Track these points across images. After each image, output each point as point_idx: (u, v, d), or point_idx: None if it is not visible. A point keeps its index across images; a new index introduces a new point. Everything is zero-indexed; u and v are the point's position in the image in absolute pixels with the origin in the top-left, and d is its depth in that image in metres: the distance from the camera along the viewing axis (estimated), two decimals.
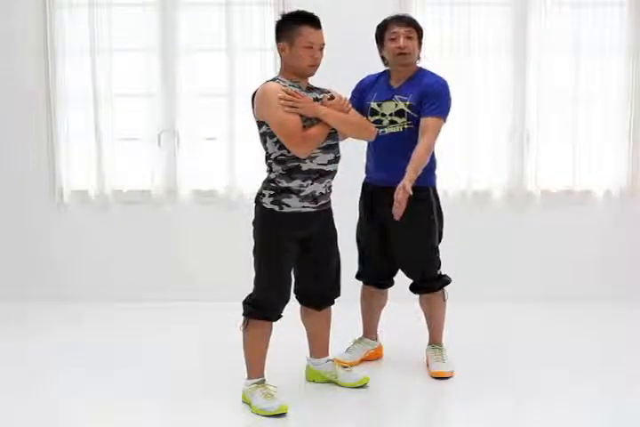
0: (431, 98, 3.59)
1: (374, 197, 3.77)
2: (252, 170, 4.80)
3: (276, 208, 3.33)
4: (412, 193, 3.39)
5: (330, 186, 3.44)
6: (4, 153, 5.13)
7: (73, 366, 3.94)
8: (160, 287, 5.12)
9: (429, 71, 3.73)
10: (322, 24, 3.32)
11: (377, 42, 3.74)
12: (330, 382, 3.68)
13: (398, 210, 3.40)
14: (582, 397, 3.53)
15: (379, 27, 3.71)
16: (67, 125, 5.08)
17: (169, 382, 3.70)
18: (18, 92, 5.08)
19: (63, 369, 3.89)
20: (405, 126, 3.63)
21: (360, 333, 4.04)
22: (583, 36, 4.96)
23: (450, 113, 3.66)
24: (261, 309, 3.37)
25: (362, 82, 3.83)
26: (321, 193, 3.38)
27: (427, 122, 3.56)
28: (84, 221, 5.19)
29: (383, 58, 3.75)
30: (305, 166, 3.31)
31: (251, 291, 3.42)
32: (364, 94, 3.76)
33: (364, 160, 3.86)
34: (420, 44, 3.69)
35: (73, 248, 5.20)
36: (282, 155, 3.30)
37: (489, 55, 4.99)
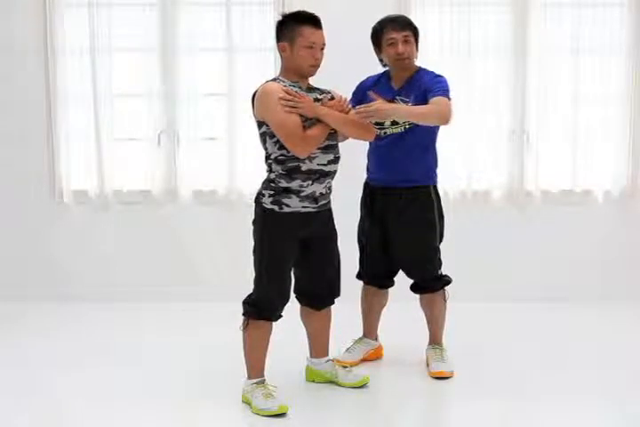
0: (431, 86, 3.56)
1: (375, 197, 3.77)
2: (251, 170, 4.80)
3: (276, 208, 3.33)
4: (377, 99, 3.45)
5: (330, 186, 3.44)
6: (4, 153, 5.13)
7: (72, 365, 3.94)
8: (160, 287, 5.12)
9: (428, 70, 3.72)
10: (322, 24, 3.32)
11: (373, 44, 3.73)
12: (330, 382, 3.68)
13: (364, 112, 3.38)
14: (582, 397, 3.53)
15: (374, 30, 3.69)
16: (67, 125, 5.09)
17: (169, 382, 3.70)
18: (18, 92, 5.08)
19: (63, 369, 3.89)
20: (406, 126, 3.63)
21: (360, 333, 4.04)
22: (583, 36, 4.96)
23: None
24: (261, 309, 3.37)
25: (363, 83, 3.82)
26: (321, 193, 3.38)
27: (436, 98, 3.49)
28: (84, 221, 5.19)
29: (381, 60, 3.75)
30: (305, 167, 3.30)
31: (251, 291, 3.42)
32: (365, 96, 3.75)
33: (365, 160, 3.86)
34: (417, 44, 3.69)
35: (73, 248, 5.20)
36: (282, 155, 3.30)
37: (489, 55, 4.99)
